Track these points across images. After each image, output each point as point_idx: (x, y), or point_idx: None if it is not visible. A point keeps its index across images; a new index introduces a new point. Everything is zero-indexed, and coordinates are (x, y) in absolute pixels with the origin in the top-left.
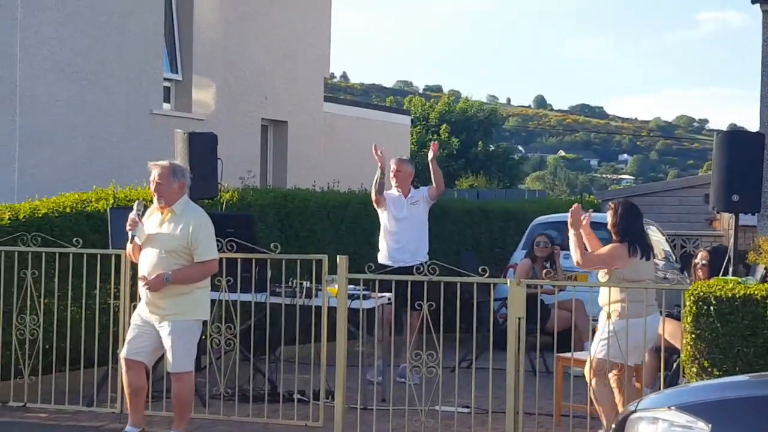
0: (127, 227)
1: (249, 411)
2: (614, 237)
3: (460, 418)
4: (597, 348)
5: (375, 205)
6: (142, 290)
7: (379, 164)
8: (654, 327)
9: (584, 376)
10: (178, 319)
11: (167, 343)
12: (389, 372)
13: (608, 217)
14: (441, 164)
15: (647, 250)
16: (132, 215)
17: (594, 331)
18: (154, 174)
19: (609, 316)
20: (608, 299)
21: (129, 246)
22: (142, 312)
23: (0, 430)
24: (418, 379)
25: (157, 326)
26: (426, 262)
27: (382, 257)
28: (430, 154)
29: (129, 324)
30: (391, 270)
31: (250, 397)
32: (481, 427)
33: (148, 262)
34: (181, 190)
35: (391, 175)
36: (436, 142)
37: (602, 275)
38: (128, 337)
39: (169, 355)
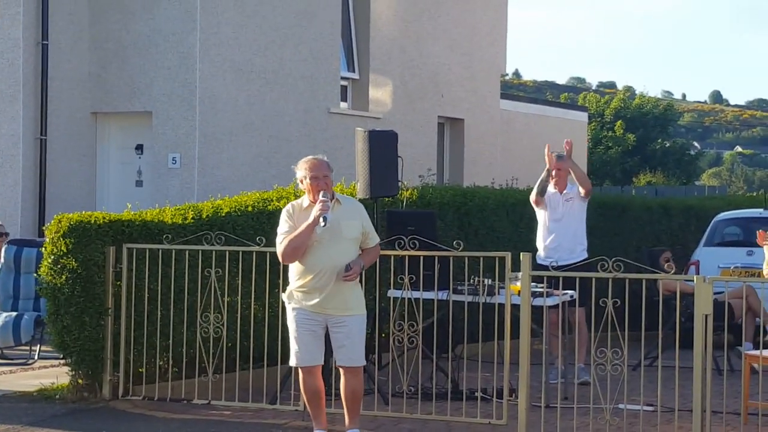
0: (318, 210)
1: (432, 409)
2: None
3: (645, 416)
4: None
5: (534, 206)
6: (316, 288)
7: (548, 165)
8: None
9: None
10: (358, 313)
11: (347, 338)
12: (571, 371)
13: None
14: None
15: None
16: (322, 199)
17: None
18: (319, 169)
19: None
20: None
21: (300, 237)
22: (311, 312)
23: (185, 428)
24: (588, 376)
25: (330, 323)
26: (586, 260)
27: (539, 256)
28: (564, 152)
29: None
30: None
31: (432, 395)
32: (666, 426)
33: (329, 256)
34: (332, 183)
35: (552, 172)
36: (569, 140)
37: None
38: (299, 341)
39: (348, 351)
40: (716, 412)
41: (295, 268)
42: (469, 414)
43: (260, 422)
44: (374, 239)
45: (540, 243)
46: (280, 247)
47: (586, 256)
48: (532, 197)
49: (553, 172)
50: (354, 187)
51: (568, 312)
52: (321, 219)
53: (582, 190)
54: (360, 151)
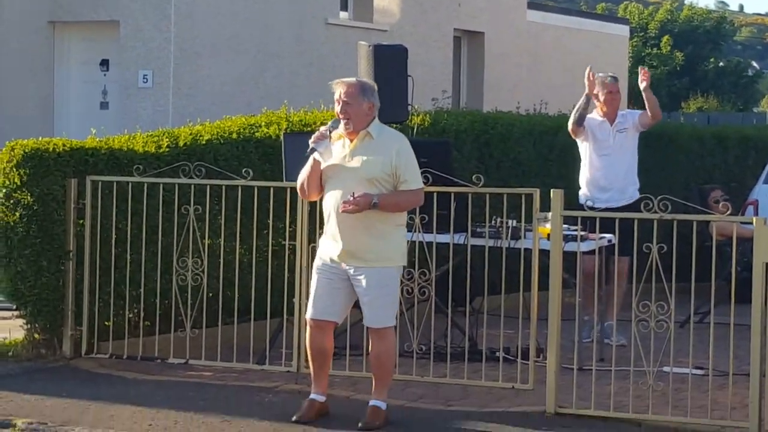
0: (312, 140)
1: (446, 371)
2: None
3: (694, 381)
4: None
5: (572, 136)
6: (332, 232)
7: (588, 90)
8: None
9: None
10: (381, 266)
11: (367, 295)
12: (608, 330)
13: None
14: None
15: None
16: (322, 129)
17: None
18: (340, 92)
19: None
20: None
21: (305, 170)
22: (329, 257)
23: (159, 390)
24: (625, 339)
25: (351, 275)
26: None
27: (584, 197)
28: (643, 83)
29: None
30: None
31: (447, 355)
32: (719, 392)
33: (343, 197)
34: (370, 112)
35: (601, 97)
36: (645, 68)
37: None
38: (314, 291)
39: (369, 309)
40: None
41: (323, 207)
42: (489, 377)
43: (246, 385)
44: (411, 183)
45: (583, 181)
46: None
47: (638, 196)
48: (570, 126)
49: (602, 98)
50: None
51: (606, 260)
52: (309, 151)
53: (648, 120)
54: (363, 69)
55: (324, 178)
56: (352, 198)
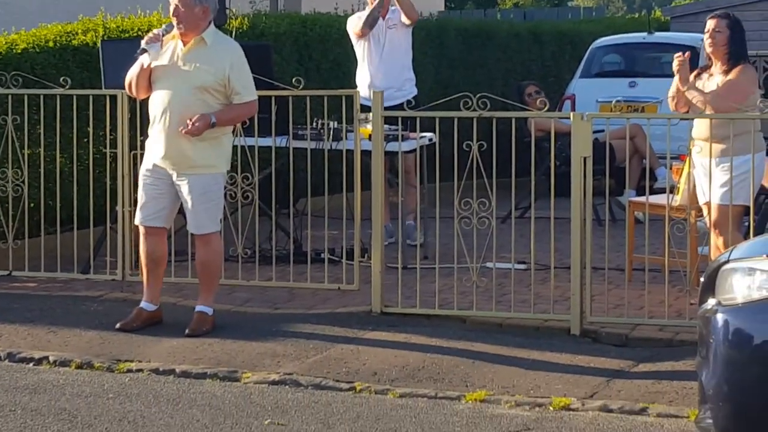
0: (144, 41)
1: (272, 274)
2: (729, 56)
3: (517, 275)
4: (731, 193)
5: (355, 38)
6: (157, 136)
7: None
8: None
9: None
10: (205, 173)
11: (190, 200)
12: (432, 226)
13: (714, 34)
14: None
15: None
16: (155, 30)
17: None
18: None
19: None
20: (727, 132)
21: (134, 68)
22: (154, 165)
23: None
24: (421, 237)
25: (175, 180)
26: (413, 97)
27: (364, 96)
28: None
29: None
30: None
31: (272, 258)
32: (541, 285)
33: (171, 101)
34: (204, 16)
35: None
36: None
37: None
38: (141, 198)
39: (193, 215)
40: (597, 269)
41: (149, 110)
42: (314, 279)
43: (71, 294)
44: (244, 95)
45: (361, 81)
46: None
47: (416, 91)
48: (356, 29)
49: None
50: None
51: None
52: (139, 51)
53: (406, 20)
54: None
55: (153, 77)
56: (190, 124)
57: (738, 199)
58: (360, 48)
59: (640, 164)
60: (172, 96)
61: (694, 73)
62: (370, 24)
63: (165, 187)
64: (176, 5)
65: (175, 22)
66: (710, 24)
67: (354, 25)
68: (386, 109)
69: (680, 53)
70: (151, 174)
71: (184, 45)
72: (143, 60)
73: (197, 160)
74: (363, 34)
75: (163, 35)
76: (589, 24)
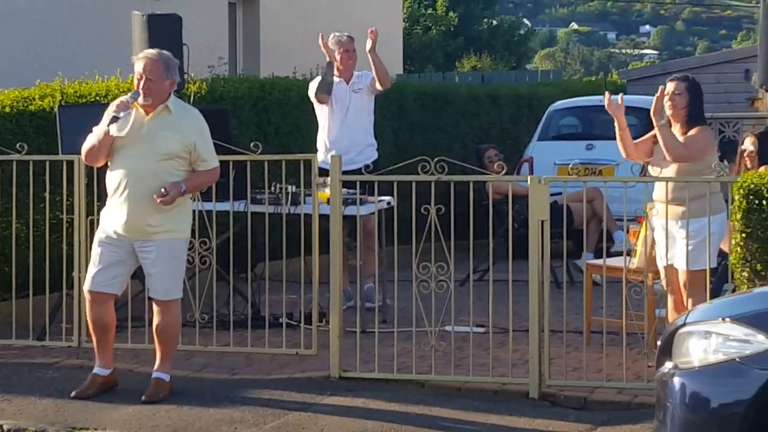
0: (113, 109)
1: (229, 339)
2: (688, 119)
3: (476, 339)
4: (695, 257)
5: (315, 102)
6: (119, 204)
7: (328, 57)
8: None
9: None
10: (168, 238)
11: (154, 267)
12: (390, 289)
13: (674, 97)
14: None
15: None
16: (124, 98)
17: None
18: (142, 67)
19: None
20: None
21: (96, 136)
22: (114, 230)
23: None
24: (383, 300)
25: (138, 248)
26: (374, 161)
27: (322, 159)
28: (368, 43)
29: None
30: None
31: (230, 324)
32: (500, 349)
33: (135, 169)
34: (171, 88)
35: (337, 56)
36: (374, 29)
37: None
38: (95, 265)
39: (155, 281)
40: (555, 332)
41: (107, 178)
42: (273, 343)
43: (27, 362)
44: (208, 163)
45: (321, 145)
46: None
47: (376, 155)
48: (316, 97)
49: (338, 56)
50: (130, 80)
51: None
52: (110, 118)
53: (379, 87)
54: (138, 38)
55: (115, 146)
56: (165, 192)
57: (697, 263)
58: (322, 112)
59: (598, 227)
60: (135, 164)
61: (652, 133)
62: (326, 90)
63: (125, 255)
64: (147, 79)
65: (142, 96)
66: (670, 86)
67: (313, 90)
68: (346, 173)
69: (663, 86)
70: (109, 242)
71: (146, 113)
72: (112, 128)
73: (162, 226)
74: (322, 101)
75: (131, 102)
76: (547, 87)
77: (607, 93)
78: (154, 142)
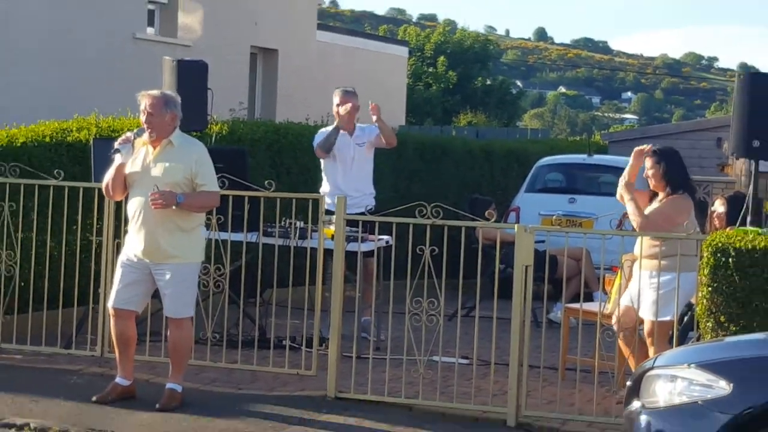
0: (117, 142)
1: (237, 357)
2: (666, 187)
3: (460, 369)
4: (663, 308)
5: (318, 156)
6: (136, 231)
7: (337, 122)
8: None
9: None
10: (181, 262)
11: (168, 288)
12: (385, 320)
13: (649, 172)
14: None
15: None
16: (128, 133)
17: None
18: (145, 104)
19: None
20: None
21: (110, 172)
22: (134, 254)
23: None
24: (377, 336)
25: (153, 270)
26: (371, 208)
27: (328, 203)
28: (373, 116)
29: (111, 262)
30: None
31: (238, 343)
32: (482, 380)
33: (146, 201)
34: (173, 122)
35: (337, 110)
36: (374, 103)
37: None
38: (118, 283)
39: (169, 301)
40: (533, 367)
41: (126, 208)
42: (276, 363)
43: (53, 368)
44: (208, 186)
45: (326, 192)
46: None
47: (373, 203)
48: (318, 153)
49: (337, 108)
50: None
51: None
52: (113, 151)
53: (382, 143)
54: (167, 82)
55: (128, 182)
56: (157, 190)
57: (662, 314)
58: (326, 163)
59: (578, 285)
60: (146, 194)
61: (649, 196)
62: (327, 149)
63: (143, 276)
64: (149, 113)
65: (147, 130)
66: (647, 163)
67: (316, 142)
68: (348, 214)
69: (644, 146)
70: (130, 263)
71: (154, 149)
72: (116, 160)
73: (173, 251)
74: (321, 156)
75: (134, 138)
76: (535, 144)
77: (632, 160)
78: (160, 175)
